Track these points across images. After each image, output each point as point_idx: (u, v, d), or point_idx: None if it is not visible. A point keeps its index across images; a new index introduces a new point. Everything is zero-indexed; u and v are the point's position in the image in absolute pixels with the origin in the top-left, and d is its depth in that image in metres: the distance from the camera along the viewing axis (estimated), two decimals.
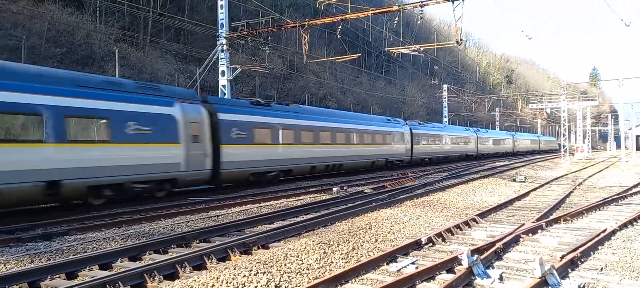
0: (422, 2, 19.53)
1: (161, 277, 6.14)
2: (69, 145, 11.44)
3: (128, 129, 12.75)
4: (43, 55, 24.40)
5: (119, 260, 6.99)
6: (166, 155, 13.88)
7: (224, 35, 22.40)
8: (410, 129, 32.28)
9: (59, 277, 6.24)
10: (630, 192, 15.26)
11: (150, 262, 6.66)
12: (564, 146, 48.83)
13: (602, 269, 6.52)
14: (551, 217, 10.29)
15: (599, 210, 11.82)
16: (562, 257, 6.68)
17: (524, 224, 9.31)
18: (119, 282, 5.68)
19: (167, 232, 9.26)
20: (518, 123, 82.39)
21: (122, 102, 12.81)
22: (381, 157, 27.84)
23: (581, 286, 5.80)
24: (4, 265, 6.82)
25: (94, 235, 9.05)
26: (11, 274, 6.01)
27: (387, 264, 6.77)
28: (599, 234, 8.26)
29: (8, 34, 23.38)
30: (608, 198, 13.38)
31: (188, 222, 10.41)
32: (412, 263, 6.83)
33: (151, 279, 6.01)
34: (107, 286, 5.58)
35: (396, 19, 21.71)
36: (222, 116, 16.24)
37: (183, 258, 6.64)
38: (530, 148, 68.07)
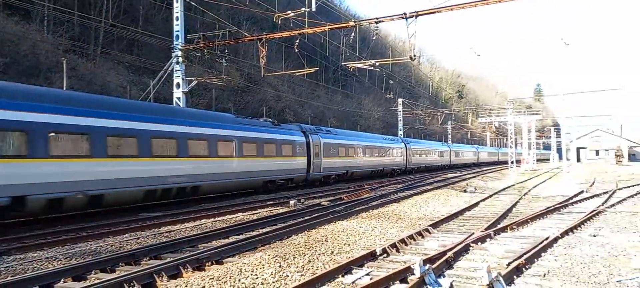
0: (377, 18, 19.99)
1: None
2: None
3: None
4: None
5: (62, 280, 6.64)
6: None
7: (179, 47, 21.99)
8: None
9: None
10: (571, 201, 16.18)
11: (96, 281, 6.36)
12: (511, 158, 51.24)
13: (545, 275, 6.83)
14: (499, 226, 10.72)
15: (543, 218, 12.43)
16: (508, 265, 6.96)
17: (473, 233, 9.64)
18: None
19: (115, 249, 8.89)
20: (469, 135, 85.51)
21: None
22: None
23: None
24: None
25: (36, 254, 8.56)
26: None
27: (343, 276, 6.80)
28: (542, 242, 8.68)
29: None
30: (551, 207, 14.12)
31: (138, 238, 10.05)
32: (367, 274, 6.90)
33: None
34: None
35: (352, 34, 22.10)
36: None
37: (131, 277, 6.40)
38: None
